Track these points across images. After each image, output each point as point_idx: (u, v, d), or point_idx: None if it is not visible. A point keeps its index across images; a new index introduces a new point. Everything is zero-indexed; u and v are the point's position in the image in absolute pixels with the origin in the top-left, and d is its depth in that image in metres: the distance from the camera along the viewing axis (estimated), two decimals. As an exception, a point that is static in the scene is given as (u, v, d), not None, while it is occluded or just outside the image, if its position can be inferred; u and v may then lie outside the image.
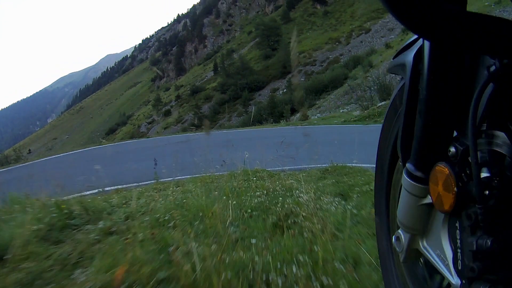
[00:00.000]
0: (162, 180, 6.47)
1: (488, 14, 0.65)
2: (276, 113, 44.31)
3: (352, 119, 16.97)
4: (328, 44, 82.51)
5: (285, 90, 63.49)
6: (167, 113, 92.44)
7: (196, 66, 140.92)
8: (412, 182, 0.96)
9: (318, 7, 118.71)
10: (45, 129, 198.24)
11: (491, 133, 0.77)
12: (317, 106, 42.55)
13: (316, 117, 29.39)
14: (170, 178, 6.12)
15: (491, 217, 0.73)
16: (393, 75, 1.39)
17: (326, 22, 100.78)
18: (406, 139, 1.00)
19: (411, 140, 0.97)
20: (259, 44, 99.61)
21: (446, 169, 0.83)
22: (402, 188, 1.01)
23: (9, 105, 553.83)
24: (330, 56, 74.00)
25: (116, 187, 6.67)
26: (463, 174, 0.81)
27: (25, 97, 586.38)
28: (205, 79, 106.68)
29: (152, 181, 6.55)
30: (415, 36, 1.05)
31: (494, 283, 0.74)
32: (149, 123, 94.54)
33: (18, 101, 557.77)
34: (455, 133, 0.90)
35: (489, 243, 0.72)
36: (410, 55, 1.02)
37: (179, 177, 5.81)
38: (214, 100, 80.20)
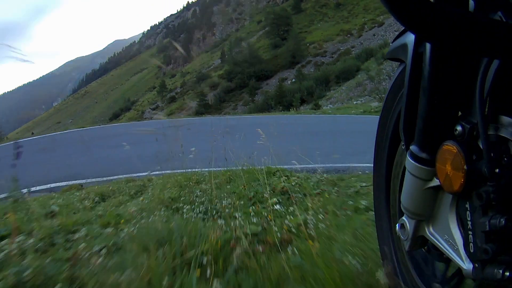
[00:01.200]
0: (135, 175, 5.62)
1: (487, 17, 0.65)
2: (284, 103, 42.83)
3: (372, 110, 16.98)
4: (339, 35, 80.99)
5: (293, 80, 62.06)
6: (172, 100, 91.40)
7: (203, 54, 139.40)
8: (417, 165, 0.92)
9: None
10: (49, 112, 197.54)
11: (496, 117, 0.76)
12: (327, 97, 41.18)
13: (328, 107, 28.30)
14: (144, 173, 5.37)
15: (504, 195, 0.71)
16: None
17: (338, 14, 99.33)
18: (409, 121, 0.97)
19: (414, 122, 0.94)
20: (269, 33, 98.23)
21: (455, 147, 0.81)
22: (406, 172, 0.98)
23: (15, 88, 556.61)
24: (341, 48, 72.45)
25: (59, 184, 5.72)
26: (472, 153, 0.79)
27: (31, 80, 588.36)
28: (212, 67, 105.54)
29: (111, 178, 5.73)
30: None
31: (509, 264, 0.72)
32: (153, 109, 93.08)
33: (24, 84, 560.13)
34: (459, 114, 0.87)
35: (503, 222, 0.70)
36: (411, 36, 1.01)
37: (156, 173, 5.02)
38: (219, 88, 79.07)
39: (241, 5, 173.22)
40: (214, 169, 4.41)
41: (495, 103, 0.77)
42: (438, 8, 0.61)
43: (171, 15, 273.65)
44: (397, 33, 1.14)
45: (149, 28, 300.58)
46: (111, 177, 5.77)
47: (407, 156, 0.96)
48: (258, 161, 4.25)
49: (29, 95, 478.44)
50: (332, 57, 69.59)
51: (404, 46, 1.03)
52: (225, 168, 4.38)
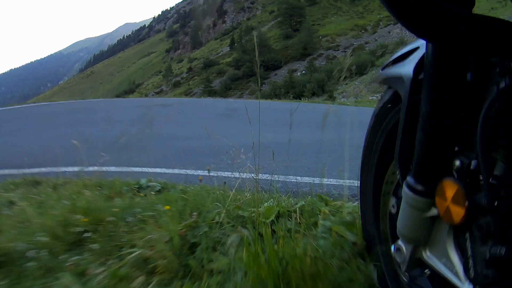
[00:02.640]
0: (60, 169, 4.08)
1: (489, 16, 0.66)
2: (293, 93, 40.85)
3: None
4: (353, 30, 79.16)
5: (304, 71, 60.11)
6: (177, 85, 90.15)
7: (213, 41, 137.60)
8: (415, 196, 0.94)
9: None
10: (53, 90, 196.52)
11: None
12: (339, 91, 39.54)
13: (342, 100, 26.76)
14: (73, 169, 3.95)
15: (503, 225, 0.74)
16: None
17: (353, 8, 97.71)
18: (405, 154, 0.99)
19: (410, 154, 0.95)
20: (281, 23, 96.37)
21: (456, 184, 0.83)
22: (403, 201, 0.99)
23: (22, 65, 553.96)
24: (355, 43, 70.81)
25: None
26: (472, 188, 0.81)
27: (39, 58, 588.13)
28: (220, 54, 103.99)
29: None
30: (408, 48, 1.07)
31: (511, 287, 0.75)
32: (157, 93, 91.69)
33: (31, 62, 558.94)
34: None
35: (503, 251, 0.73)
36: (408, 67, 1.01)
37: (91, 169, 3.44)
38: (226, 75, 77.64)
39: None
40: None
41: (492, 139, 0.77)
42: (438, 7, 0.62)
43: (183, 1, 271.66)
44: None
45: (160, 13, 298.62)
46: (31, 170, 4.11)
47: (404, 186, 0.96)
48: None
49: (35, 73, 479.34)
50: (345, 51, 67.66)
51: (399, 78, 1.02)
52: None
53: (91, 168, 3.66)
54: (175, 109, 11.80)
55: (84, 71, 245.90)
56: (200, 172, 3.83)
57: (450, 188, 0.83)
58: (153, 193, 2.75)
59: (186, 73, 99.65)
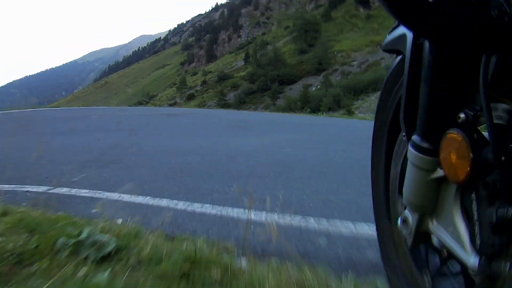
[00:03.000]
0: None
1: (485, 12, 0.67)
2: (309, 108, 40.49)
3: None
4: (369, 46, 78.77)
5: (319, 86, 59.76)
6: (191, 97, 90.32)
7: (227, 55, 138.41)
8: (420, 155, 0.90)
9: (361, 10, 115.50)
10: (67, 99, 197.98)
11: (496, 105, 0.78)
12: (355, 106, 39.25)
13: (360, 115, 26.26)
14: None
15: (511, 183, 0.70)
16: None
17: (368, 25, 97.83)
18: (410, 111, 0.96)
19: (415, 111, 0.92)
20: (296, 38, 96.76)
21: (459, 135, 0.79)
22: (408, 163, 0.96)
23: (37, 73, 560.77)
24: (370, 59, 70.34)
25: None
26: (477, 140, 0.78)
27: (54, 66, 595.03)
28: (235, 68, 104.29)
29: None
30: None
31: None
32: (171, 105, 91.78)
33: (46, 70, 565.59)
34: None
35: (511, 212, 0.69)
36: None
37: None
38: (241, 89, 77.64)
39: (270, 9, 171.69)
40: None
41: (497, 90, 0.76)
42: (436, 5, 0.63)
43: (199, 15, 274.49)
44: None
45: (175, 26, 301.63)
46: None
47: (409, 146, 0.93)
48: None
49: (50, 81, 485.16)
50: (360, 67, 67.64)
51: (402, 37, 1.01)
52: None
53: (58, 190, 3.14)
54: (180, 120, 11.31)
55: (98, 81, 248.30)
56: (198, 207, 2.78)
57: (454, 141, 0.79)
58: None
59: (200, 86, 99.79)
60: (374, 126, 1.29)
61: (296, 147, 4.98)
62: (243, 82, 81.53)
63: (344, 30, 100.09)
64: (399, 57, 1.12)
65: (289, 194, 2.87)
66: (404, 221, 0.99)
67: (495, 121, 0.74)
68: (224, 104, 62.72)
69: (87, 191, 3.20)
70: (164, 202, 2.93)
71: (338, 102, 43.08)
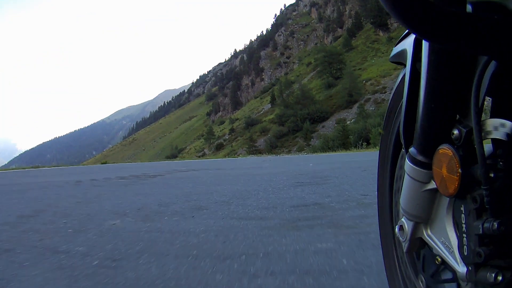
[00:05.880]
0: None
1: (485, 15, 0.67)
2: (348, 144, 36.30)
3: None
4: (397, 69, 74.48)
5: (353, 120, 55.76)
6: (219, 147, 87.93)
7: (253, 100, 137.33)
8: (415, 167, 0.95)
9: (381, 33, 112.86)
10: (96, 158, 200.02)
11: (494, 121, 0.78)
12: None
13: None
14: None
15: (497, 199, 0.73)
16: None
17: (391, 48, 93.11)
18: (408, 124, 1.00)
19: (413, 125, 0.96)
20: (320, 72, 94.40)
21: (450, 151, 0.83)
22: (405, 175, 1.00)
23: (66, 134, 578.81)
24: (403, 83, 66.41)
25: None
26: (467, 157, 0.81)
27: (82, 127, 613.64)
28: (262, 112, 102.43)
29: None
30: None
31: (502, 269, 0.73)
32: (199, 156, 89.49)
33: (75, 130, 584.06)
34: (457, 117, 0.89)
35: (496, 225, 0.72)
36: (411, 38, 1.04)
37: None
38: (270, 133, 75.20)
39: (289, 48, 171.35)
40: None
41: (492, 106, 0.79)
42: (438, 7, 0.63)
43: (219, 63, 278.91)
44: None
45: (198, 78, 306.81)
46: None
47: (406, 158, 0.98)
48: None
49: (80, 141, 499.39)
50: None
51: (404, 50, 1.06)
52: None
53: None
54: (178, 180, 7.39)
55: (126, 138, 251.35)
56: None
57: (445, 156, 0.83)
58: None
59: (229, 134, 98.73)
60: (381, 138, 1.34)
61: None
62: (272, 126, 79.44)
63: (368, 57, 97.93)
64: (404, 71, 1.13)
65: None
66: (401, 227, 1.04)
67: (495, 137, 0.75)
68: (255, 151, 59.24)
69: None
70: None
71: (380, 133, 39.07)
